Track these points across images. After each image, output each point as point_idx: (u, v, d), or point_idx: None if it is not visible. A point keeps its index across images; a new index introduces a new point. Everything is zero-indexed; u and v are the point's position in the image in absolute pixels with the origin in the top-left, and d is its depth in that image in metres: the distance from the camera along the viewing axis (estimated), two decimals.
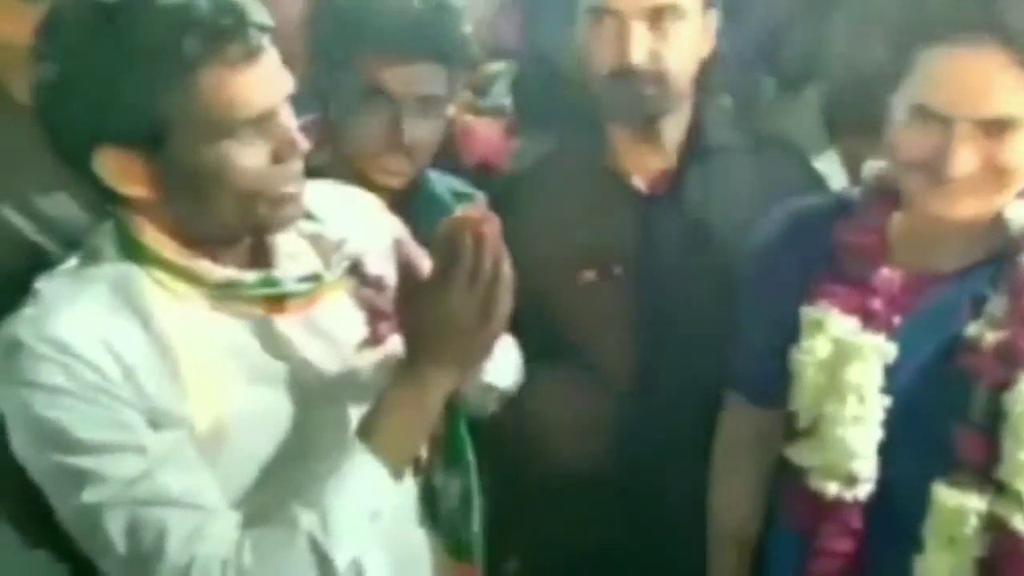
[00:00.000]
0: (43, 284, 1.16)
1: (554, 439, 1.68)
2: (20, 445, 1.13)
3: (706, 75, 1.74)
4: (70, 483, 1.11)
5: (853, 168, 1.76)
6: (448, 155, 1.81)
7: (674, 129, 1.72)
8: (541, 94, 2.08)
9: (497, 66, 2.38)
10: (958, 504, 1.31)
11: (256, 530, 1.14)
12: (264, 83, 1.14)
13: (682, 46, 1.63)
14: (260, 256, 1.25)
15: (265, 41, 1.14)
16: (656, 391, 1.67)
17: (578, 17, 1.67)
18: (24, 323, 1.12)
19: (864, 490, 1.38)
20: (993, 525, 1.31)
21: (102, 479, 1.10)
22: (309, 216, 1.29)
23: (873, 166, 1.46)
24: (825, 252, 1.42)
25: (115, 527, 1.10)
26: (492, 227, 1.16)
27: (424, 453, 1.34)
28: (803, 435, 1.42)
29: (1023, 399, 1.28)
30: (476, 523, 1.39)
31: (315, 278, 1.25)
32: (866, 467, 1.37)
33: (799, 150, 1.88)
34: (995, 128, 1.27)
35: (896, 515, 1.37)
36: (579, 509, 1.72)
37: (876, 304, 1.37)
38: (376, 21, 1.58)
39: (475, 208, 1.19)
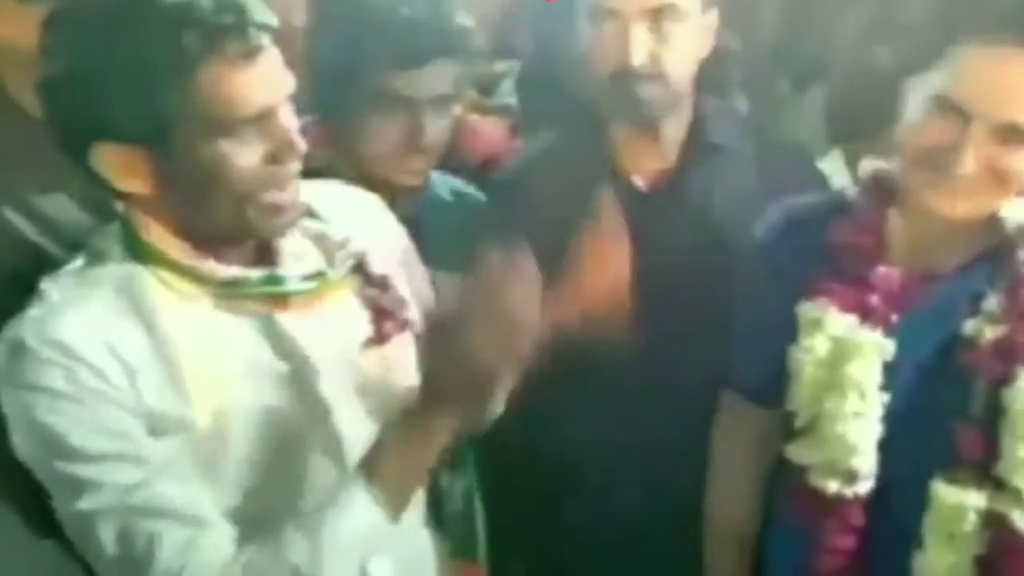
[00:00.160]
0: (48, 285, 1.17)
1: (556, 439, 1.69)
2: (21, 446, 1.14)
3: (714, 73, 1.74)
4: (67, 489, 1.13)
5: (856, 169, 1.76)
6: (453, 154, 1.82)
7: (674, 128, 1.72)
8: (545, 94, 2.09)
9: (503, 66, 2.38)
10: (958, 501, 1.32)
11: (247, 552, 1.13)
12: (264, 82, 1.14)
13: (682, 47, 1.63)
14: (265, 255, 1.25)
15: (266, 40, 1.14)
16: (655, 389, 1.67)
17: (579, 18, 1.68)
18: (28, 325, 1.13)
19: (865, 486, 1.39)
20: (992, 522, 1.31)
21: (98, 487, 1.11)
22: (313, 215, 1.30)
23: (869, 165, 1.46)
24: (822, 250, 1.42)
25: (108, 535, 1.11)
26: (522, 275, 1.14)
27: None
28: (802, 433, 1.42)
29: (1022, 395, 1.29)
30: (480, 524, 1.39)
31: (319, 276, 1.25)
32: (866, 463, 1.38)
33: (802, 149, 1.88)
34: (1011, 135, 1.27)
35: (895, 512, 1.38)
36: (582, 509, 1.73)
37: (874, 301, 1.38)
38: (379, 31, 1.58)
39: (508, 255, 1.15)
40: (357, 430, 1.25)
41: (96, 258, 1.20)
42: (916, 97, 1.33)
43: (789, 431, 1.44)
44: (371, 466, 1.15)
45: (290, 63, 1.19)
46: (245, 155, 1.14)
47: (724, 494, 1.62)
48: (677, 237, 1.68)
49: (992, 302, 1.33)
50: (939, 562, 1.34)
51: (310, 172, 1.24)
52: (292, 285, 1.23)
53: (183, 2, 1.09)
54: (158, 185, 1.16)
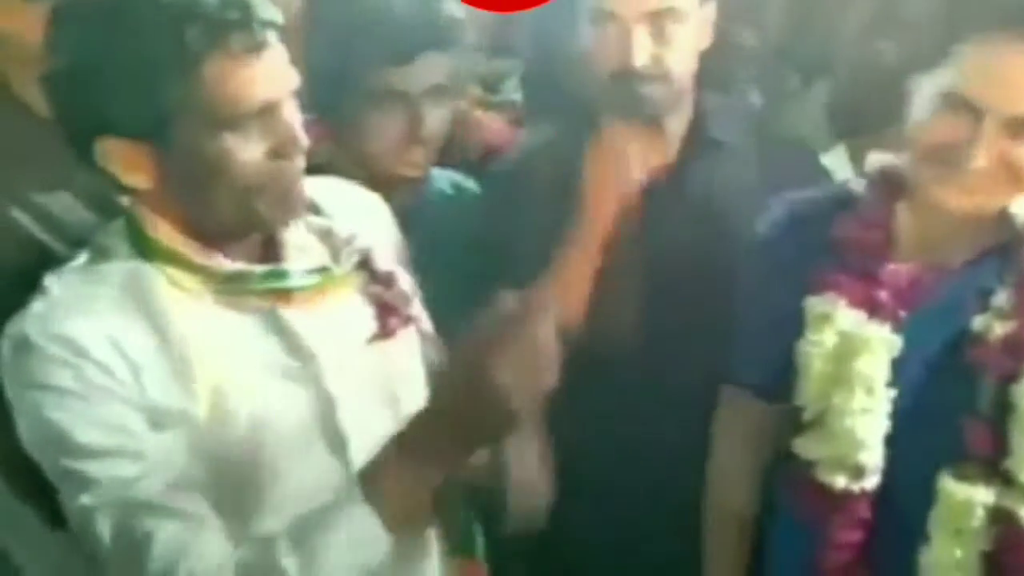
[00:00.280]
0: (52, 281, 1.17)
1: (556, 437, 1.69)
2: (27, 441, 1.15)
3: (726, 69, 1.74)
4: (70, 484, 1.13)
5: (860, 164, 1.76)
6: (457, 146, 1.83)
7: (676, 123, 1.72)
8: (548, 90, 2.09)
9: (509, 63, 2.39)
10: (966, 497, 1.31)
11: (242, 551, 1.12)
12: (268, 77, 1.14)
13: (683, 46, 1.64)
14: (270, 251, 1.25)
15: (271, 36, 1.14)
16: (657, 382, 1.67)
17: (580, 20, 1.68)
18: (32, 321, 1.13)
19: (872, 481, 1.39)
20: (999, 518, 1.31)
21: (97, 482, 1.11)
22: (318, 212, 1.30)
23: (876, 159, 1.46)
24: (826, 244, 1.42)
25: (105, 530, 1.11)
26: (545, 310, 1.09)
27: None
28: (810, 428, 1.42)
29: None
30: (480, 523, 1.39)
31: (323, 271, 1.25)
32: (874, 459, 1.38)
33: (805, 144, 1.87)
34: (1022, 128, 1.27)
35: (901, 508, 1.38)
36: (582, 508, 1.72)
37: (883, 297, 1.37)
38: (369, 30, 1.61)
39: (529, 294, 1.11)
40: (361, 426, 1.24)
41: (100, 254, 1.20)
42: (923, 95, 1.33)
43: (795, 426, 1.44)
44: (370, 478, 1.12)
45: (292, 61, 1.19)
46: (248, 149, 1.14)
47: (724, 481, 1.62)
48: (678, 231, 1.69)
49: (1001, 298, 1.33)
50: (945, 557, 1.34)
51: (311, 169, 1.23)
52: (295, 279, 1.23)
53: None
54: (162, 179, 1.16)
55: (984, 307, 1.33)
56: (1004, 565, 1.33)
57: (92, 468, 1.11)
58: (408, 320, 1.33)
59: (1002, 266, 1.35)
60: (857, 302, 1.38)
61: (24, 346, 1.12)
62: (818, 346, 1.39)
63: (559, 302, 1.16)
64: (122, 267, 1.18)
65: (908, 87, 1.36)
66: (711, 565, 1.63)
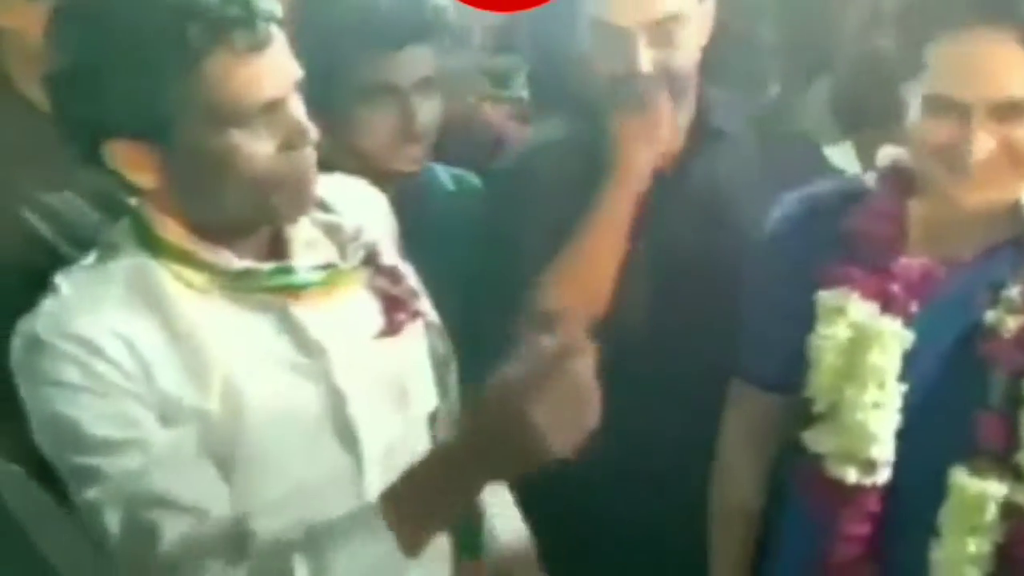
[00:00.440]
0: (62, 279, 1.17)
1: None
2: (39, 437, 1.15)
3: (744, 63, 1.74)
4: (79, 478, 1.13)
5: (868, 159, 1.76)
6: (463, 139, 1.84)
7: (680, 114, 1.71)
8: (553, 88, 2.10)
9: (515, 59, 2.39)
10: (979, 491, 1.31)
11: (252, 564, 1.11)
12: (272, 72, 1.14)
13: (686, 46, 1.64)
14: (278, 247, 1.25)
15: (274, 30, 1.14)
16: (663, 374, 1.66)
17: (581, 27, 1.67)
18: (43, 319, 1.13)
19: (883, 475, 1.38)
20: (1011, 512, 1.31)
21: (106, 476, 1.11)
22: (325, 207, 1.30)
23: (888, 153, 1.45)
24: (836, 238, 1.41)
25: (113, 523, 1.11)
26: (580, 353, 1.06)
27: None
28: (820, 421, 1.41)
29: None
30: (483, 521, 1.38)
31: (330, 267, 1.25)
32: (885, 452, 1.37)
33: (810, 137, 1.87)
34: (1011, 112, 1.27)
35: (910, 501, 1.37)
36: (587, 504, 1.72)
37: (895, 290, 1.37)
38: (355, 25, 1.63)
39: (565, 332, 1.07)
40: (371, 421, 1.24)
41: (109, 253, 1.20)
42: (914, 101, 1.34)
43: (805, 419, 1.43)
44: (392, 500, 1.10)
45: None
46: (257, 144, 1.14)
47: (730, 475, 1.61)
48: (682, 221, 1.69)
49: (1013, 291, 1.32)
50: (957, 552, 1.33)
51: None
52: (303, 276, 1.23)
53: None
54: (168, 178, 1.16)
55: (996, 301, 1.33)
56: (1016, 559, 1.32)
57: (101, 463, 1.11)
58: (415, 315, 1.33)
59: (1014, 259, 1.35)
60: (869, 295, 1.37)
61: (36, 344, 1.12)
62: (830, 339, 1.38)
63: (581, 291, 1.15)
64: (130, 264, 1.18)
65: (902, 95, 1.36)
66: (716, 557, 1.63)
